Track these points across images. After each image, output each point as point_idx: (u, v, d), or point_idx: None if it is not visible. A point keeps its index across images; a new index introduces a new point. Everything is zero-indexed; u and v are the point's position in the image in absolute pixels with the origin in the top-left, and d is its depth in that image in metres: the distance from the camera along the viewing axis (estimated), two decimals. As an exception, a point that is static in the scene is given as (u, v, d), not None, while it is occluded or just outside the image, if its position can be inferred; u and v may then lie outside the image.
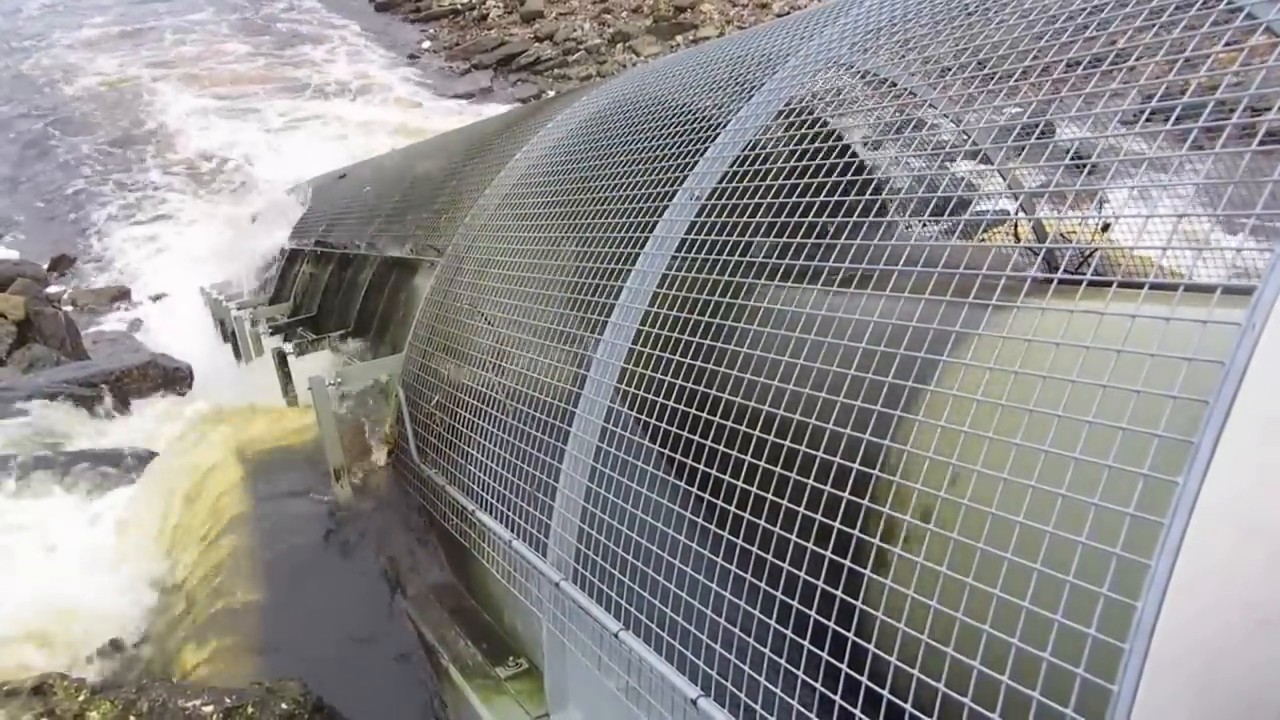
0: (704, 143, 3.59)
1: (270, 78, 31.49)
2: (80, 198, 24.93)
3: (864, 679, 1.98)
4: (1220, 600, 1.59)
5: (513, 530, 3.54)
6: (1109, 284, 1.96)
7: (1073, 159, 2.59)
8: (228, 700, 3.77)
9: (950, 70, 2.95)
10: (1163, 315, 1.75)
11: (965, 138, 3.77)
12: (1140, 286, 1.85)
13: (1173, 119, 1.98)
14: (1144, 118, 2.11)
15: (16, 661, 4.48)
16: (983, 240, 3.94)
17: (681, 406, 2.81)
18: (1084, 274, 2.00)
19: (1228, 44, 2.05)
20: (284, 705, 3.81)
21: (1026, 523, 1.79)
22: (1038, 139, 2.50)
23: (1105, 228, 3.18)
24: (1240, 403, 1.57)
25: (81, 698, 3.88)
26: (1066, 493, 1.75)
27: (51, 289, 17.69)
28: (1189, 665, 1.57)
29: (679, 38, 28.98)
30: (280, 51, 33.88)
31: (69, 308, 17.17)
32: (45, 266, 19.73)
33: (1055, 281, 2.00)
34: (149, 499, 5.95)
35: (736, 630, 2.35)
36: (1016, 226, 4.70)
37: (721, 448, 2.61)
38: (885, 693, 1.93)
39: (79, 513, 6.13)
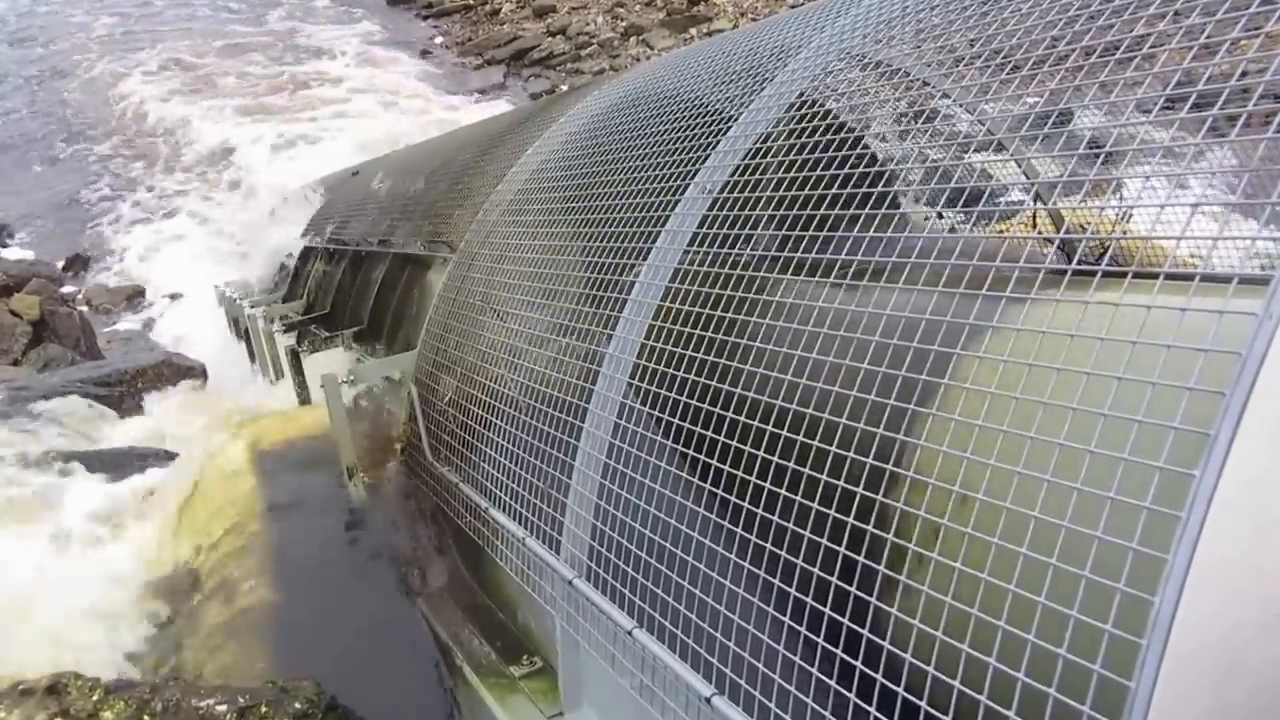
0: (715, 136, 3.57)
1: (279, 74, 31.48)
2: (94, 198, 24.93)
3: (879, 676, 1.96)
4: (1238, 594, 1.57)
5: (526, 527, 3.53)
6: (1124, 274, 1.93)
7: (1089, 147, 2.56)
8: (241, 699, 3.78)
9: (964, 60, 2.92)
10: (1178, 306, 1.72)
11: (981, 126, 3.73)
12: (1155, 276, 1.82)
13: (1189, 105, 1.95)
14: (1159, 105, 2.08)
15: (31, 660, 4.49)
16: (999, 231, 3.91)
17: (695, 402, 2.79)
18: (1099, 265, 1.97)
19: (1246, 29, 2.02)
20: (297, 704, 3.82)
21: (1042, 518, 1.77)
22: (1054, 127, 2.47)
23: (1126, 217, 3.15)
24: (1257, 393, 1.54)
25: (96, 697, 3.89)
26: (1082, 487, 1.72)
27: (66, 289, 17.68)
28: (1206, 660, 1.55)
29: (692, 30, 28.89)
30: (289, 47, 33.85)
31: (84, 307, 17.20)
32: (60, 266, 19.69)
33: (1070, 273, 1.97)
34: (163, 498, 5.96)
35: (751, 628, 2.34)
36: (1035, 216, 4.66)
37: (735, 443, 2.59)
38: (900, 690, 1.91)
39: (93, 512, 6.14)
